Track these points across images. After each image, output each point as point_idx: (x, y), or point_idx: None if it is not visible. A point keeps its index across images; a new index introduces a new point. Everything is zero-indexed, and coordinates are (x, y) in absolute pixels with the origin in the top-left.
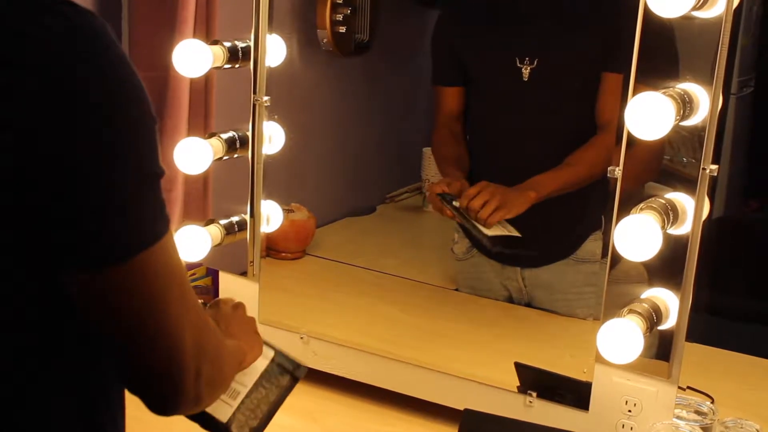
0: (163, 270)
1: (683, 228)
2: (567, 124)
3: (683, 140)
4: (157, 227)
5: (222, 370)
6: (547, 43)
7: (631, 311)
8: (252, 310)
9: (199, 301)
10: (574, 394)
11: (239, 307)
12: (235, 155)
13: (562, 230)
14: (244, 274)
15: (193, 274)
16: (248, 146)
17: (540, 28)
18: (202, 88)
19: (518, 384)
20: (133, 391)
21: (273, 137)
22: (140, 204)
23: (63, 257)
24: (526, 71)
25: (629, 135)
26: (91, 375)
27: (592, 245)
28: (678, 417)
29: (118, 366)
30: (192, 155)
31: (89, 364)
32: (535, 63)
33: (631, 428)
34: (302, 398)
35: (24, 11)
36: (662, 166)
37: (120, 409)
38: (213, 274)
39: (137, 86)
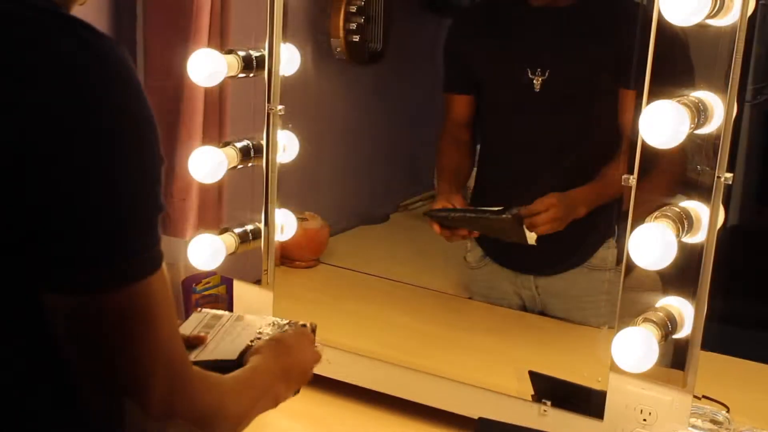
0: (145, 306)
1: (698, 236)
2: (578, 135)
3: (698, 148)
4: (149, 262)
5: (219, 401)
6: (558, 55)
7: (645, 320)
8: None
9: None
10: (589, 403)
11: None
12: (250, 164)
13: (576, 238)
14: (258, 282)
15: (208, 282)
16: (262, 155)
17: (552, 39)
18: (216, 97)
19: (532, 393)
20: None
21: (287, 146)
22: (135, 236)
23: (51, 279)
24: (537, 82)
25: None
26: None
27: (605, 253)
28: (693, 426)
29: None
30: (207, 164)
31: None
32: (547, 74)
33: None
34: (314, 405)
35: (39, 31)
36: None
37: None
38: (227, 283)
39: (147, 118)
